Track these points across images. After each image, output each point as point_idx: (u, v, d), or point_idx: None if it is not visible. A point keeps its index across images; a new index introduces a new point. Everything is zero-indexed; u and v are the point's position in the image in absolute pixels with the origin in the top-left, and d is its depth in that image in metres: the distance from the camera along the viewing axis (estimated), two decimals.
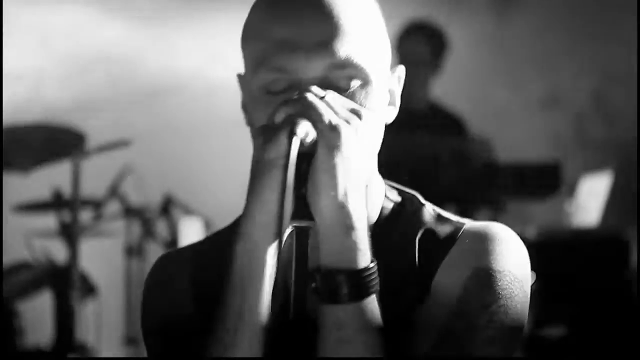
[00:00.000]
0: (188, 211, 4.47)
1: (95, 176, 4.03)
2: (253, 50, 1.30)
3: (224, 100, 5.39)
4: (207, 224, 4.36)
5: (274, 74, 1.25)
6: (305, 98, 1.19)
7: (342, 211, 1.15)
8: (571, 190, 4.74)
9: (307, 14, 1.25)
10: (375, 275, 1.17)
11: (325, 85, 1.23)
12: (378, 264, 1.21)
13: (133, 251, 4.51)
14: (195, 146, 5.36)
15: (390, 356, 1.19)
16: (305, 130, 1.15)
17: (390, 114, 1.35)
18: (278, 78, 1.25)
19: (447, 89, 4.82)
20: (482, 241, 1.29)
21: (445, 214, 1.37)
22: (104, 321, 4.59)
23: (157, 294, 1.38)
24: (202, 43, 5.47)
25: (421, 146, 4.12)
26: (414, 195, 1.39)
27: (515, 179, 4.20)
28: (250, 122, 1.33)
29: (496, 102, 5.57)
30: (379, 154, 1.34)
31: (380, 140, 1.31)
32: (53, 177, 4.09)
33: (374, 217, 1.33)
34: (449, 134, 4.27)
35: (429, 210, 1.37)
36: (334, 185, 1.14)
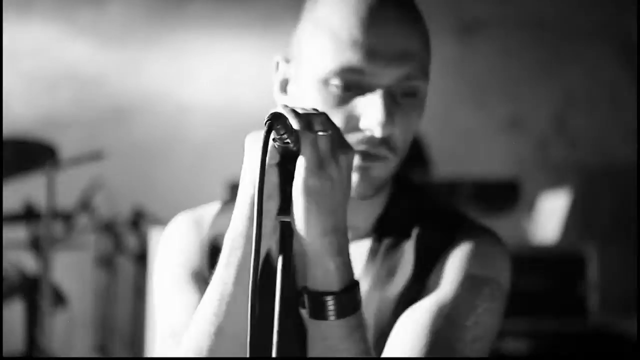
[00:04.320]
0: (157, 222, 4.55)
1: (64, 190, 4.08)
2: (331, 47, 1.37)
3: (190, 119, 5.47)
4: None
5: (352, 74, 1.36)
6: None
7: (325, 240, 1.20)
8: (531, 207, 4.84)
9: (390, 26, 1.37)
10: (357, 295, 1.24)
11: (390, 93, 1.37)
12: (379, 269, 1.37)
13: (103, 263, 4.56)
14: (162, 163, 5.41)
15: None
16: (282, 133, 1.19)
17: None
18: (354, 78, 1.37)
19: None
20: (477, 248, 1.42)
21: (443, 207, 1.50)
22: (74, 331, 4.64)
23: (178, 240, 1.48)
24: (169, 63, 5.52)
25: None
26: (411, 187, 1.51)
27: (474, 194, 4.31)
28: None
29: (461, 124, 5.66)
30: None
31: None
32: (23, 189, 4.13)
33: (371, 224, 1.47)
34: None
35: (427, 204, 1.49)
36: (317, 214, 1.20)
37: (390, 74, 1.37)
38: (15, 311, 4.22)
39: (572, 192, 4.77)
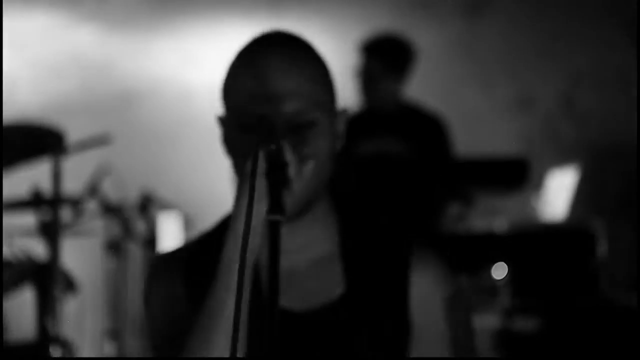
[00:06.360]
0: (166, 206, 4.56)
1: (72, 175, 4.09)
2: (232, 101, 1.53)
3: (197, 103, 5.47)
4: (186, 218, 4.44)
5: (251, 118, 1.46)
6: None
7: None
8: (539, 185, 4.84)
9: (276, 72, 1.46)
10: None
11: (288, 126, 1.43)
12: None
13: (112, 249, 4.57)
14: (170, 146, 5.42)
15: None
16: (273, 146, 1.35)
17: (335, 149, 1.50)
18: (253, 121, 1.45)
19: (421, 91, 4.91)
20: (434, 268, 1.50)
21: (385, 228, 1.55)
22: (84, 316, 4.65)
23: (155, 296, 1.52)
24: (175, 47, 5.52)
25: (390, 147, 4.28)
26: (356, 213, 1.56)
27: (483, 173, 4.31)
28: (229, 152, 1.54)
29: (469, 103, 5.65)
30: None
31: (327, 176, 1.47)
32: (30, 175, 4.13)
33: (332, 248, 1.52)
34: (422, 134, 4.40)
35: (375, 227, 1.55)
36: None
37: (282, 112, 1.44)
38: (26, 298, 4.23)
39: (580, 170, 4.77)
